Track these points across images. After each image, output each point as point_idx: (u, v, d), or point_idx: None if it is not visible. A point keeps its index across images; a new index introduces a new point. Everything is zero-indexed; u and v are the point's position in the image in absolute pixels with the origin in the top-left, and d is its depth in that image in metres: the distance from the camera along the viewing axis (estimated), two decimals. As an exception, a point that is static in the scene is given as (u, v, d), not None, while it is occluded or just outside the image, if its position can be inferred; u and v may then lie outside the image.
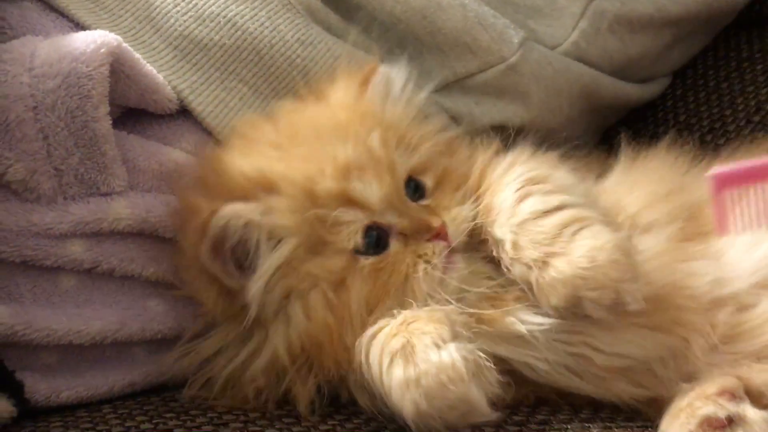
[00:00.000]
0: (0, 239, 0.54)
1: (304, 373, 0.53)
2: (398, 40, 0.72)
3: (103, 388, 0.58)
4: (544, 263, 0.51)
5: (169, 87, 0.63)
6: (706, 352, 0.55)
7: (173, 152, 0.62)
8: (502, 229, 0.53)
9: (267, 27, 0.67)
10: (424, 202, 0.57)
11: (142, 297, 0.59)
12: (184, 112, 0.65)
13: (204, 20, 0.66)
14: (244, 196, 0.52)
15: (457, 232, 0.55)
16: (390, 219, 0.54)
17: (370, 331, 0.51)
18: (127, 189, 0.58)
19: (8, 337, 0.54)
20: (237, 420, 0.52)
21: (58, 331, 0.55)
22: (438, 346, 0.48)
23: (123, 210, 0.57)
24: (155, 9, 0.66)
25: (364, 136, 0.55)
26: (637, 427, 0.53)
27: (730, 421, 0.50)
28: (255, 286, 0.52)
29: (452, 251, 0.54)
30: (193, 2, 0.66)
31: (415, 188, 0.57)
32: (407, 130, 0.58)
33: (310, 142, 0.55)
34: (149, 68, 0.62)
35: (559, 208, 0.53)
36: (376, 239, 0.54)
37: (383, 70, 0.60)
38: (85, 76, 0.55)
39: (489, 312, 0.52)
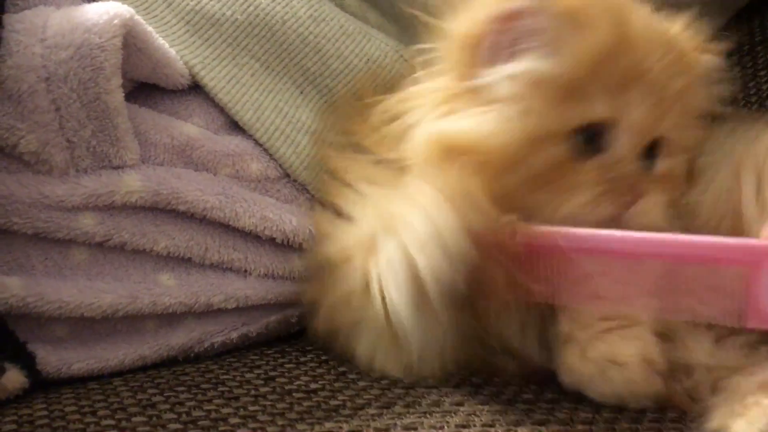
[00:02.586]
0: (12, 211, 0.54)
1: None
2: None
3: (113, 361, 0.58)
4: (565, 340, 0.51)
5: (180, 61, 0.63)
6: None
7: (185, 126, 0.62)
8: None
9: (279, 3, 0.67)
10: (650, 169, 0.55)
11: (154, 271, 0.59)
12: (195, 88, 0.64)
13: (216, -5, 0.65)
14: None
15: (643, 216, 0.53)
16: (617, 138, 0.53)
17: None
18: (139, 162, 0.58)
19: (20, 309, 0.54)
20: (248, 394, 0.52)
21: (70, 304, 0.55)
22: None
23: (135, 183, 0.57)
24: (168, -18, 0.65)
25: (681, 71, 0.54)
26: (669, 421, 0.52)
27: None
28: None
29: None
30: (206, -24, 0.66)
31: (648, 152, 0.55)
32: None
33: (647, 26, 0.54)
34: (161, 42, 0.62)
35: None
36: (593, 136, 0.52)
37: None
38: (97, 48, 0.55)
39: None
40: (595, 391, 0.50)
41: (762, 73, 0.84)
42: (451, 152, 0.52)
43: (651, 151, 0.56)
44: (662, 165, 0.56)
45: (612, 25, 0.53)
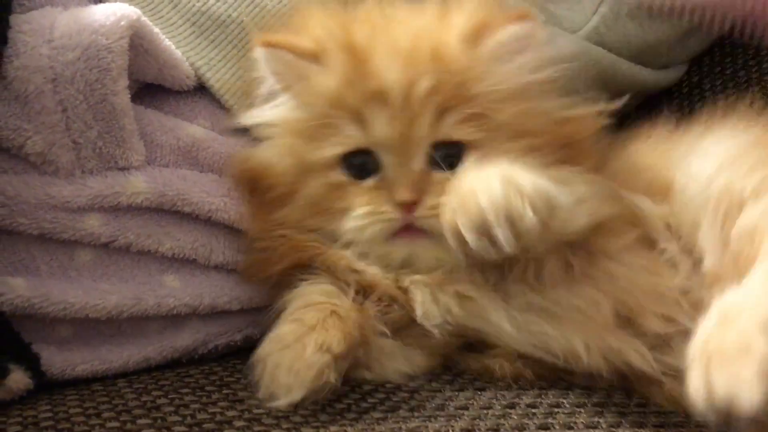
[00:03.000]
0: (18, 211, 0.54)
1: None
2: None
3: (118, 363, 0.58)
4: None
5: (186, 63, 0.63)
6: None
7: (191, 127, 0.62)
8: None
9: (285, 4, 0.67)
10: (442, 173, 0.55)
11: (158, 272, 0.59)
12: (201, 89, 0.64)
13: (223, -4, 0.65)
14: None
15: (424, 220, 0.54)
16: (385, 158, 0.55)
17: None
18: (144, 163, 0.58)
19: (25, 310, 0.54)
20: (252, 397, 0.52)
21: (75, 305, 0.55)
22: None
23: (140, 184, 0.57)
24: (174, -16, 0.65)
25: (422, 72, 0.54)
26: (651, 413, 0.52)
27: None
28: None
29: (410, 228, 0.54)
30: (212, -22, 0.66)
31: (444, 157, 0.55)
32: (486, 98, 0.55)
33: (388, 41, 0.55)
34: (168, 43, 0.62)
35: None
36: (363, 161, 0.55)
37: (514, 28, 0.56)
38: (104, 49, 0.55)
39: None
40: (463, 220, 0.49)
41: (767, 77, 0.84)
42: (248, 175, 0.59)
43: (450, 156, 0.55)
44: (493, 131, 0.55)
45: (346, 58, 0.55)
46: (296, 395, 0.48)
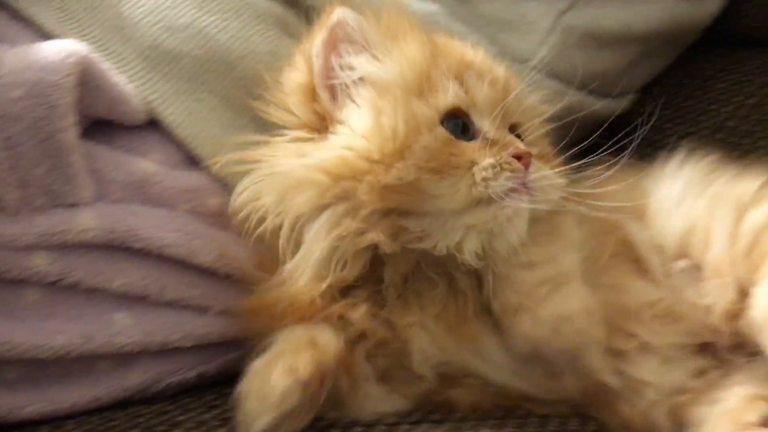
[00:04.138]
0: (-38, 251, 0.53)
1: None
2: None
3: (66, 404, 0.56)
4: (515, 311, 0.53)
5: (138, 98, 0.63)
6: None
7: (142, 162, 0.61)
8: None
9: (238, 39, 0.67)
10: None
11: (109, 310, 0.58)
12: (153, 123, 0.64)
13: (175, 31, 0.65)
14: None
15: (536, 178, 0.56)
16: (480, 123, 0.58)
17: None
18: (93, 200, 0.58)
19: (-31, 352, 0.53)
20: (206, 436, 0.51)
21: (20, 346, 0.54)
22: None
23: (89, 221, 0.56)
24: (125, 19, 0.65)
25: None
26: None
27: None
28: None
29: (526, 186, 0.55)
30: (164, 13, 0.66)
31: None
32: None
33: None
34: (118, 79, 0.61)
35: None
36: (459, 123, 0.57)
37: None
38: (51, 86, 0.54)
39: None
40: (552, 349, 0.52)
41: (713, 107, 0.86)
42: (343, 172, 0.55)
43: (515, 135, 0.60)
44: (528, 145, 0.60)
45: (419, 33, 0.60)
46: (264, 420, 0.48)
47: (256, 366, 0.50)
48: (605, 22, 0.81)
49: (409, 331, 0.55)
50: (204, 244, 0.60)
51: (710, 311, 0.56)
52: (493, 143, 0.56)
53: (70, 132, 0.55)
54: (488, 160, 0.55)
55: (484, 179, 0.54)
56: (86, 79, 0.57)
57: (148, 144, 0.63)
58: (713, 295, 0.56)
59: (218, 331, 0.62)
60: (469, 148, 0.56)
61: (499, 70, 0.62)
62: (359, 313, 0.54)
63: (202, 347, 0.62)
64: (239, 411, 0.49)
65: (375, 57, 0.58)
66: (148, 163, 0.62)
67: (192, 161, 0.64)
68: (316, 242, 0.54)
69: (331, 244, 0.54)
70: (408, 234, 0.54)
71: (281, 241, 0.55)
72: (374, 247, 0.54)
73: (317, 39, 0.59)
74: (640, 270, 0.59)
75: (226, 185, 0.63)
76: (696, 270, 0.58)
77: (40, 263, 0.55)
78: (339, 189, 0.54)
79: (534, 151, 0.58)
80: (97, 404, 0.58)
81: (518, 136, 0.60)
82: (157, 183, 0.61)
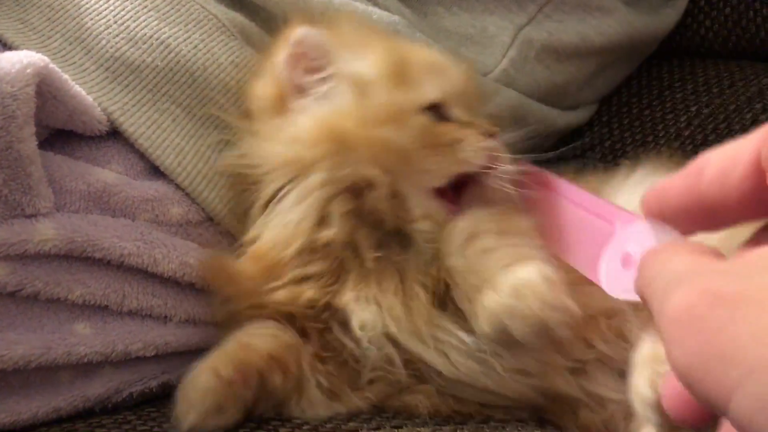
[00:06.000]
0: None
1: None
2: None
3: (26, 415, 0.56)
4: (477, 291, 0.53)
5: (98, 108, 0.63)
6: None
7: (102, 172, 0.61)
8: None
9: (201, 49, 0.68)
10: None
11: (69, 320, 0.58)
12: (114, 134, 0.64)
13: (136, 42, 0.66)
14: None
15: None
16: (456, 112, 0.62)
17: None
18: (53, 210, 0.57)
19: (-75, 363, 0.52)
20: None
21: (-21, 357, 0.54)
22: None
23: (48, 231, 0.56)
24: (86, 30, 0.65)
25: None
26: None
27: None
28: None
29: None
30: (125, 24, 0.66)
31: None
32: None
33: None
34: (78, 89, 0.61)
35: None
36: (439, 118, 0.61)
37: None
38: (9, 96, 0.54)
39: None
40: (517, 320, 0.51)
41: (669, 116, 0.89)
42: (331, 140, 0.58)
43: None
44: None
45: (384, 38, 0.65)
46: (191, 419, 0.51)
47: (193, 369, 0.54)
48: (564, 36, 0.83)
49: (353, 303, 0.56)
50: (165, 254, 0.61)
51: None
52: (467, 125, 0.61)
53: (28, 142, 0.55)
54: (472, 138, 0.59)
55: (475, 153, 0.59)
56: (45, 90, 0.57)
57: (108, 154, 0.63)
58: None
59: (180, 340, 0.62)
60: (451, 128, 0.60)
61: (460, 66, 0.66)
62: (312, 290, 0.57)
63: (164, 356, 0.62)
64: (174, 411, 0.52)
65: (345, 60, 0.61)
66: (108, 173, 0.62)
67: (154, 171, 0.64)
68: (310, 193, 0.58)
69: (327, 192, 0.57)
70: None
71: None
72: (358, 211, 0.57)
73: (281, 54, 0.61)
74: None
75: (190, 194, 0.64)
76: None
77: (-1, 274, 0.55)
78: (329, 146, 0.58)
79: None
80: (58, 415, 0.57)
81: None
82: (117, 193, 0.61)
